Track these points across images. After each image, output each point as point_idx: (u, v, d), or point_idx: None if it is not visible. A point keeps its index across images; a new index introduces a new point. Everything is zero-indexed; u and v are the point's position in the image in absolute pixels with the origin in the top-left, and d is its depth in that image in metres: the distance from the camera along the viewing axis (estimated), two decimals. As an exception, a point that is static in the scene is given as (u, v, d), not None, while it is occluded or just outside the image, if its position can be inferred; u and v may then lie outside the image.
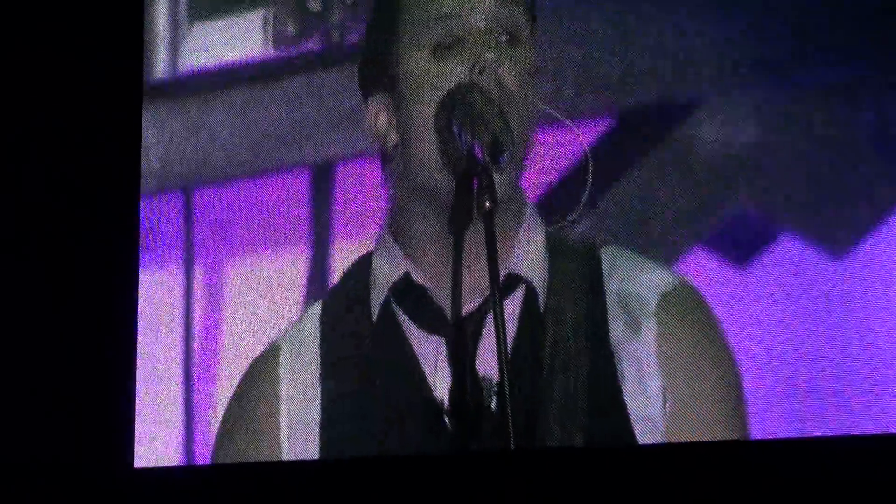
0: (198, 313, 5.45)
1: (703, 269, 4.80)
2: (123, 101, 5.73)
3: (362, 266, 5.02)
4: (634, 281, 4.64)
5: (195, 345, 5.48)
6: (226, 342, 5.33)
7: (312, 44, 5.46)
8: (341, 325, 4.99)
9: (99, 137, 5.79)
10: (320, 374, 4.95)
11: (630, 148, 4.87)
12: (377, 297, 4.78)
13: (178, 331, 5.45)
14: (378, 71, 4.85)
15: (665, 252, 4.71)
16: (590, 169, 4.83)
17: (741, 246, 4.66)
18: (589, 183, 4.81)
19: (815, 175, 4.60)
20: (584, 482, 4.70)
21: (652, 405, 4.51)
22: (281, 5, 5.55)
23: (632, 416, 4.55)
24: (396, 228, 4.88)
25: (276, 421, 4.90)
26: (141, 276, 5.54)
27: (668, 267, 4.71)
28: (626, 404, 4.54)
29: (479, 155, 4.30)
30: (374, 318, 4.82)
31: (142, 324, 5.52)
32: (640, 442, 4.54)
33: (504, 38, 4.69)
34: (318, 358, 4.99)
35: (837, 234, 4.55)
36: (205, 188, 5.65)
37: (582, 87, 4.86)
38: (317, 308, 5.07)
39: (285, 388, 4.95)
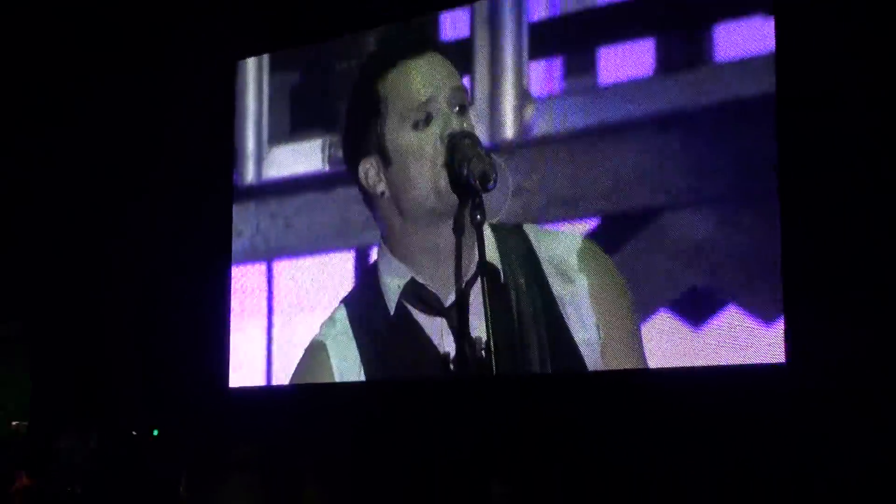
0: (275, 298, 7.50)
1: (666, 325, 6.17)
2: (223, 199, 8.03)
3: (368, 278, 7.02)
4: (555, 247, 6.36)
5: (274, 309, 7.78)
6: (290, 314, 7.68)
7: (351, 165, 7.24)
8: (367, 319, 6.96)
9: (204, 224, 8.16)
10: (359, 356, 6.85)
11: (614, 238, 6.39)
12: (392, 297, 6.65)
13: (263, 306, 7.45)
14: (367, 142, 6.84)
15: (643, 308, 6.20)
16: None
17: (696, 310, 6.13)
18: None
19: (749, 263, 6.04)
20: (548, 397, 6.54)
21: (590, 333, 6.15)
22: (334, 135, 7.49)
23: (577, 343, 6.17)
24: (394, 247, 6.75)
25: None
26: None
27: (571, 232, 6.40)
28: (572, 336, 6.14)
29: (474, 183, 5.98)
30: (392, 312, 6.60)
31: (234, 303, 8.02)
32: (585, 359, 6.25)
33: (456, 109, 6.59)
34: (354, 344, 6.89)
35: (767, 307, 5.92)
36: (281, 260, 7.69)
37: (571, 197, 6.52)
38: (342, 310, 7.13)
39: (336, 367, 7.00)
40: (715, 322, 6.11)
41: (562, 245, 6.35)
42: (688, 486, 5.94)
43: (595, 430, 6.30)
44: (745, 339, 6.00)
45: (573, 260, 6.28)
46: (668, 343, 6.15)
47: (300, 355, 7.45)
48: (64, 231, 9.05)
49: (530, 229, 6.44)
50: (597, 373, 6.20)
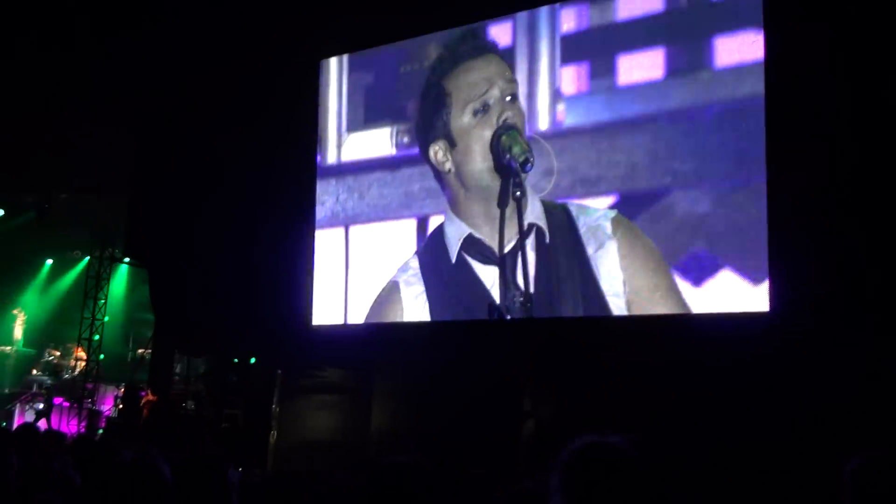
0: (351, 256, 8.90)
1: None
2: (308, 176, 9.13)
3: (436, 234, 8.15)
4: (591, 219, 7.42)
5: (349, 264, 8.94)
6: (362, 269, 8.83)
7: (416, 149, 8.53)
8: (433, 266, 8.21)
9: (293, 197, 9.34)
10: (424, 292, 7.97)
11: (630, 212, 7.35)
12: (453, 248, 7.87)
13: (341, 262, 9.04)
14: (436, 129, 8.09)
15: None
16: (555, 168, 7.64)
17: (697, 272, 7.06)
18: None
19: (742, 234, 6.92)
20: (581, 337, 7.54)
21: (617, 288, 7.10)
22: (400, 126, 8.61)
23: (606, 296, 7.21)
24: (457, 211, 7.97)
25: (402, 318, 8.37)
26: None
27: (605, 208, 7.42)
28: (602, 291, 7.14)
29: (514, 166, 7.39)
30: (453, 261, 7.87)
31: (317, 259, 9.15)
32: (613, 311, 7.26)
33: (508, 98, 7.56)
34: (422, 286, 8.17)
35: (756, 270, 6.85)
36: (357, 226, 8.85)
37: (594, 178, 7.53)
38: (415, 259, 8.36)
39: (406, 305, 8.25)
40: (712, 282, 7.03)
41: (597, 217, 7.41)
42: (687, 408, 6.83)
43: (616, 365, 7.25)
44: (737, 296, 6.93)
45: (606, 229, 7.36)
46: (674, 299, 7.17)
47: (370, 300, 8.65)
48: (189, 199, 10.26)
49: (572, 205, 7.54)
50: (618, 317, 7.27)
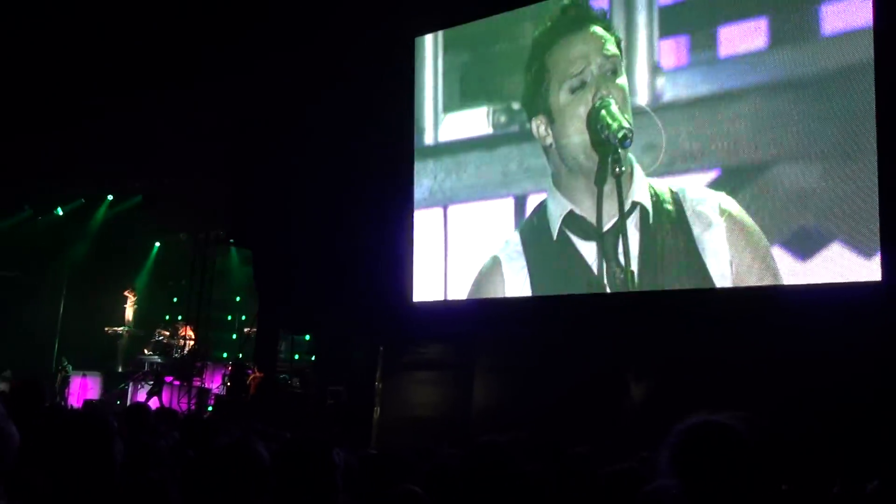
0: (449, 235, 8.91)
1: (778, 259, 7.03)
2: (406, 157, 9.22)
3: (539, 210, 8.12)
4: (699, 200, 7.30)
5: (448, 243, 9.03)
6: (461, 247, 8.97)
7: (513, 127, 8.53)
8: (535, 242, 8.20)
9: (393, 178, 9.43)
10: (526, 267, 7.94)
11: (731, 187, 7.26)
12: (555, 224, 7.88)
13: (440, 241, 9.11)
14: (537, 104, 8.11)
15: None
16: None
17: (804, 247, 6.93)
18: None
19: (854, 204, 6.79)
20: (685, 311, 7.50)
21: (724, 269, 7.05)
22: (497, 105, 8.59)
23: (712, 275, 7.13)
24: (559, 186, 7.93)
25: (503, 293, 8.42)
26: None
27: (713, 191, 7.30)
28: (708, 269, 7.06)
29: (613, 141, 7.34)
30: (554, 237, 7.82)
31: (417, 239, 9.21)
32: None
33: (609, 72, 7.46)
34: (524, 260, 8.10)
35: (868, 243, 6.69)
36: (455, 206, 8.83)
37: (695, 152, 7.44)
38: (516, 234, 8.35)
39: (508, 279, 8.28)
40: (821, 256, 6.88)
41: (705, 198, 7.31)
42: (796, 380, 6.72)
43: (720, 339, 7.13)
44: (848, 270, 6.77)
45: (714, 210, 7.26)
46: (781, 276, 7.05)
47: (470, 278, 8.75)
48: (291, 182, 10.51)
49: (678, 185, 7.45)
50: (723, 289, 7.18)
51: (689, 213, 7.35)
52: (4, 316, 15.02)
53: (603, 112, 7.57)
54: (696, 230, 7.31)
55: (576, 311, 8.06)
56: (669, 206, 7.44)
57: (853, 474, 3.93)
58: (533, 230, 8.27)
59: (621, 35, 7.84)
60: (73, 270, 15.87)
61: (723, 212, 7.21)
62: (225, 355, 14.66)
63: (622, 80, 7.72)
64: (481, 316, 8.83)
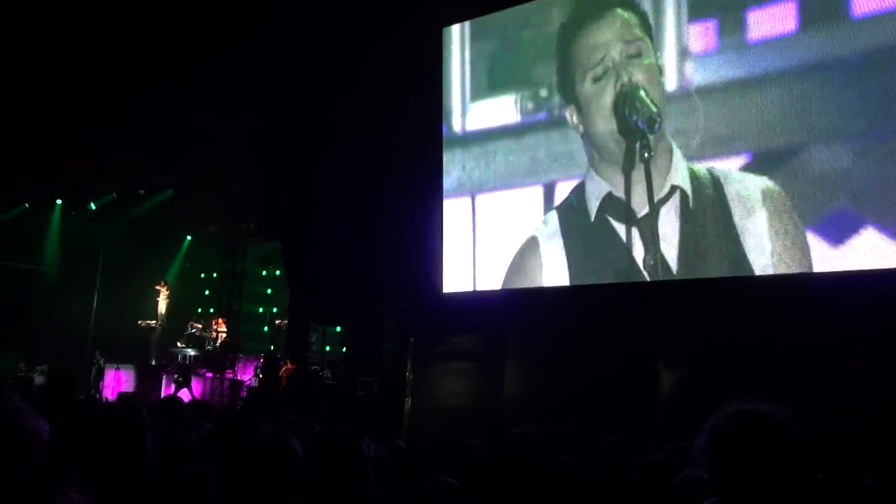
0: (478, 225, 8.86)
1: (811, 244, 6.90)
2: (435, 146, 9.18)
3: (578, 191, 8.06)
4: (741, 187, 7.17)
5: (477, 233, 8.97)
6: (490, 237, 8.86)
7: (541, 115, 8.44)
8: (573, 223, 8.13)
9: (421, 167, 9.40)
10: (563, 249, 7.98)
11: (765, 171, 7.16)
12: (593, 206, 7.80)
13: (469, 231, 9.07)
14: (566, 93, 8.07)
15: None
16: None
17: (837, 231, 6.75)
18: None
19: (889, 187, 6.62)
20: (723, 299, 7.39)
21: (765, 257, 6.97)
22: (524, 93, 8.52)
23: (753, 266, 7.07)
24: (597, 168, 7.85)
25: (540, 275, 8.31)
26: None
27: (754, 175, 7.18)
28: (747, 256, 6.99)
29: (641, 126, 7.27)
30: (592, 219, 7.79)
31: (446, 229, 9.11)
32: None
33: (632, 56, 7.47)
34: (561, 242, 8.09)
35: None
36: (483, 195, 8.77)
37: (725, 136, 7.34)
38: (553, 215, 8.27)
39: (545, 259, 8.25)
40: (856, 239, 6.73)
41: (747, 185, 7.19)
42: (833, 368, 6.58)
43: (758, 327, 7.07)
44: (884, 254, 6.61)
45: (756, 198, 7.15)
46: (814, 258, 6.93)
47: (499, 267, 8.70)
48: (319, 174, 10.57)
49: (718, 171, 7.34)
50: (762, 276, 7.07)
51: (730, 198, 7.24)
52: (40, 311, 15.22)
53: (628, 98, 7.51)
54: (737, 215, 7.20)
55: (610, 299, 7.96)
56: (710, 191, 7.34)
57: (888, 466, 3.87)
58: (572, 210, 8.18)
59: (651, 20, 7.74)
60: (105, 265, 16.06)
61: (766, 196, 7.09)
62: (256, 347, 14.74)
63: (649, 61, 7.62)
64: (512, 306, 8.78)
